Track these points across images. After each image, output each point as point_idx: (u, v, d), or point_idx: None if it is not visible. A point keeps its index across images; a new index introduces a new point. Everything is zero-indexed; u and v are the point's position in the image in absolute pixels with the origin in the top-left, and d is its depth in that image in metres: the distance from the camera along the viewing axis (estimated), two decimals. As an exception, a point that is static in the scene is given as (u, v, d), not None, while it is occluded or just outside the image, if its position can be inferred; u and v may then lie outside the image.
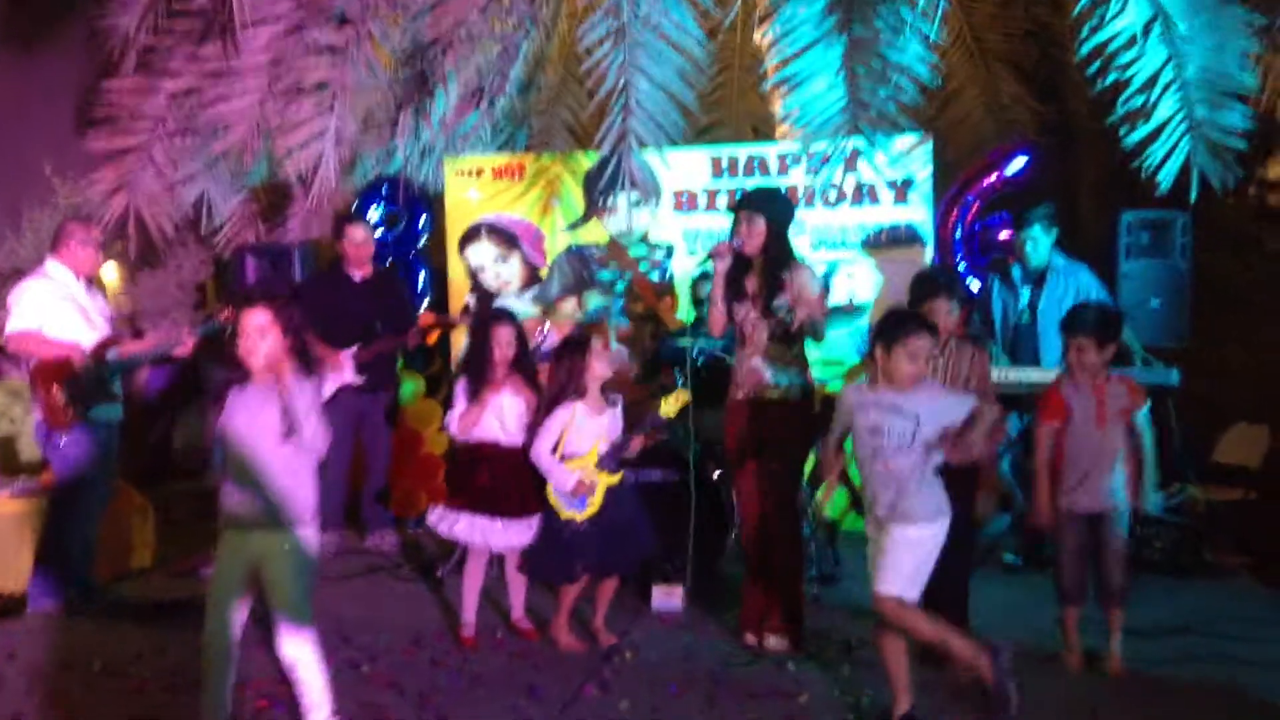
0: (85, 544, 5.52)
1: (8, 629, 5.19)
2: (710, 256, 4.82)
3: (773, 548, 4.80)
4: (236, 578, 3.61)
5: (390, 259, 7.90)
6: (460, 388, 4.91)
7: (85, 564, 5.54)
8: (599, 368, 4.72)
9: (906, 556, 3.74)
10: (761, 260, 4.76)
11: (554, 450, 4.70)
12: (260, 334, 3.54)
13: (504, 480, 4.79)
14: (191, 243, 10.59)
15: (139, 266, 10.98)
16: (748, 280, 4.79)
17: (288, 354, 3.55)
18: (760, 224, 4.72)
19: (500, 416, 4.83)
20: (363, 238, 6.59)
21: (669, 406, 4.67)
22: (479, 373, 4.83)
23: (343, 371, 6.36)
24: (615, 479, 4.75)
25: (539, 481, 4.74)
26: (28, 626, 5.22)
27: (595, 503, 4.71)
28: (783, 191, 5.44)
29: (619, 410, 4.85)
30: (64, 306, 5.40)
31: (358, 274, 6.61)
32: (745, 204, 4.82)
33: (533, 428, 4.78)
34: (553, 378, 4.80)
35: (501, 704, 4.16)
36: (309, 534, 3.62)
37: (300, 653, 3.61)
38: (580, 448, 4.70)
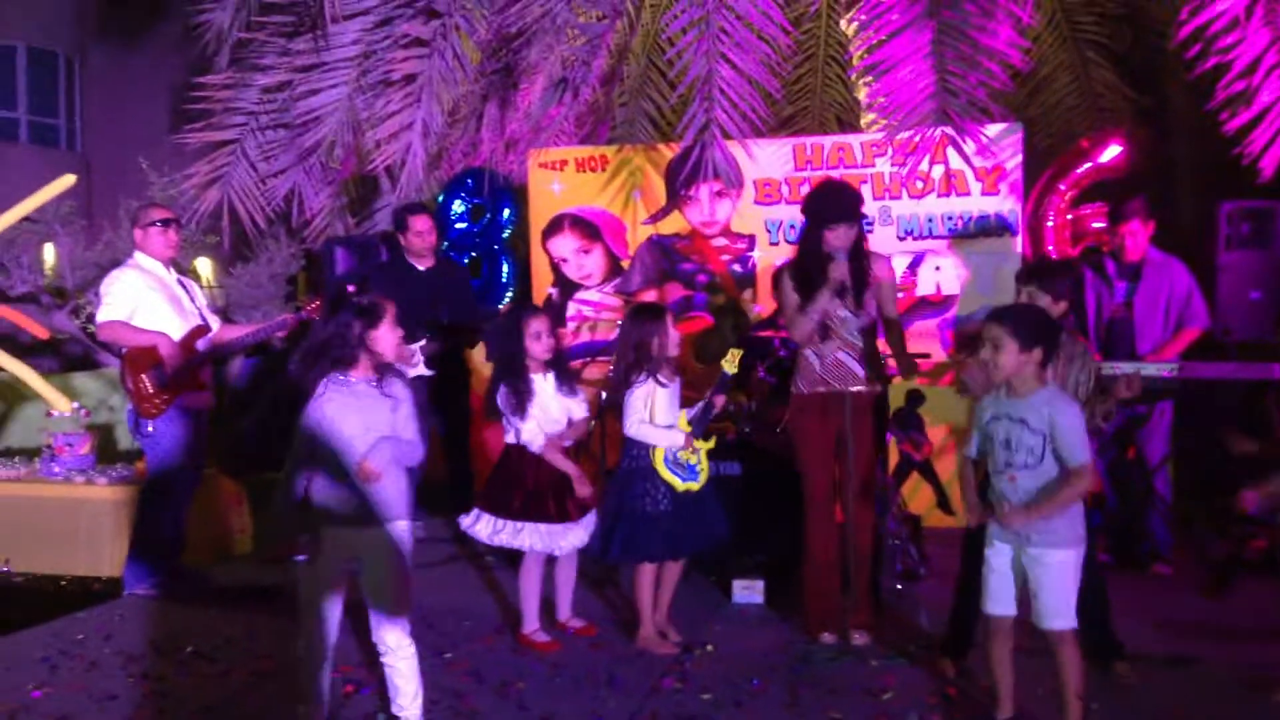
0: (177, 529, 5.66)
1: (104, 612, 5.34)
2: (835, 282, 4.58)
3: (853, 543, 4.74)
4: (334, 574, 3.64)
5: (474, 251, 7.97)
6: (502, 399, 4.64)
7: (176, 549, 5.67)
8: (670, 341, 4.64)
9: (1070, 584, 3.57)
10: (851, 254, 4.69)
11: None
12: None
13: (555, 481, 4.66)
14: (282, 236, 10.82)
15: (232, 260, 11.23)
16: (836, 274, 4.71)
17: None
18: (856, 229, 4.67)
19: (547, 414, 4.66)
20: (426, 227, 6.53)
21: (730, 364, 4.63)
22: (516, 372, 4.62)
23: (413, 361, 6.42)
24: (710, 444, 4.74)
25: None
26: (122, 610, 5.36)
27: (704, 470, 4.69)
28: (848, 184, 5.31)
29: (680, 382, 4.79)
30: (152, 296, 5.50)
31: (421, 265, 6.60)
32: (846, 214, 4.66)
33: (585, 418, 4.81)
34: (624, 352, 4.70)
35: (581, 694, 4.16)
36: (404, 527, 3.66)
37: (400, 643, 3.66)
38: (668, 419, 4.65)
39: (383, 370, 3.65)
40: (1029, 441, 3.55)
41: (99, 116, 19.96)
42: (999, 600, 3.69)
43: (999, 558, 3.68)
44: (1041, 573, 3.56)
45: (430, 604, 5.28)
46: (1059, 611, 3.55)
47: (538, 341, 4.58)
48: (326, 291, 6.99)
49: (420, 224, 6.55)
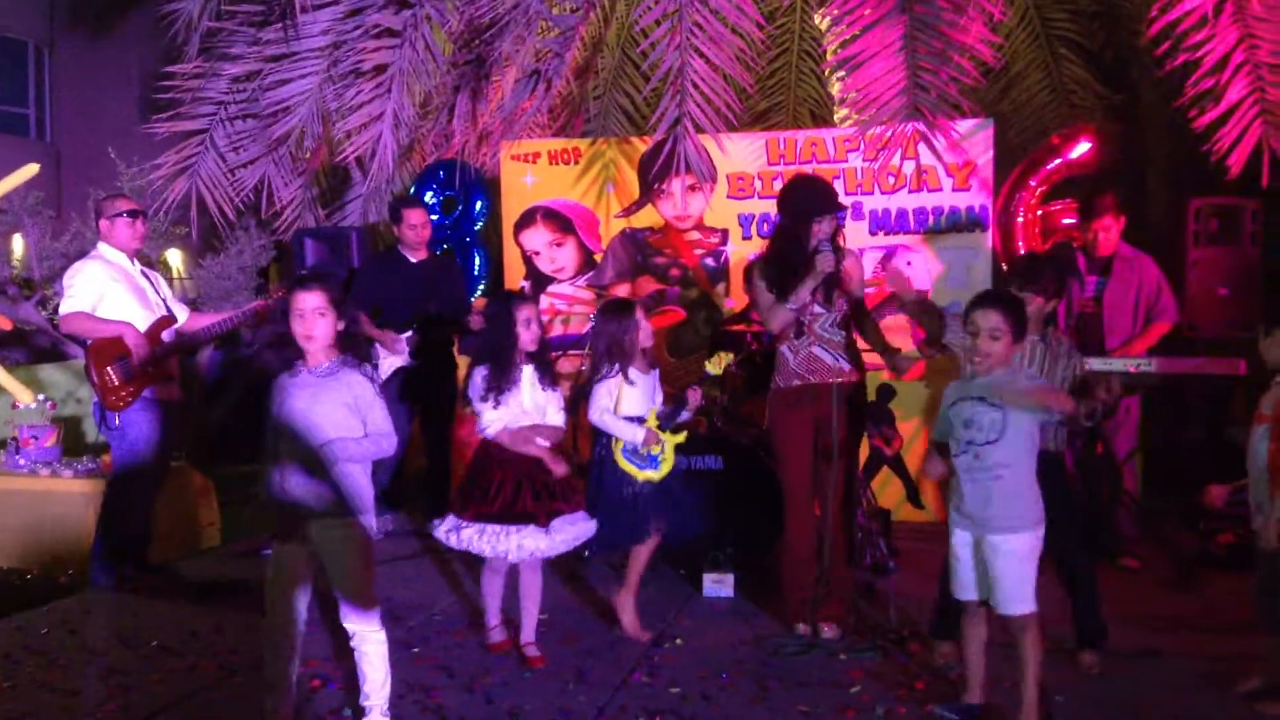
0: (143, 522, 5.60)
1: (68, 606, 5.28)
2: (821, 274, 4.55)
3: (828, 536, 4.76)
4: (299, 565, 3.60)
5: (446, 243, 7.94)
6: (477, 379, 4.43)
7: (143, 542, 5.62)
8: (642, 332, 4.64)
9: (1030, 568, 3.61)
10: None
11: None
12: (318, 316, 3.51)
13: (519, 482, 4.39)
14: (252, 227, 10.73)
15: (201, 252, 11.14)
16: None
17: (339, 340, 3.54)
18: (835, 223, 4.68)
19: (525, 410, 4.45)
20: (421, 221, 6.58)
21: (714, 365, 4.63)
22: (504, 360, 4.41)
23: (399, 354, 6.40)
24: (681, 437, 4.71)
25: (564, 482, 4.51)
26: (87, 604, 5.31)
27: (668, 460, 4.67)
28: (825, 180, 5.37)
29: (657, 373, 4.79)
30: (116, 287, 5.44)
31: (414, 257, 6.62)
32: (832, 206, 4.68)
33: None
34: (596, 346, 4.71)
35: (551, 688, 4.14)
36: (369, 520, 3.62)
37: (369, 629, 3.62)
38: (637, 411, 4.64)
39: (336, 356, 3.58)
40: (990, 416, 3.60)
41: (69, 106, 19.78)
42: (965, 585, 3.75)
43: (961, 545, 3.74)
44: (1000, 560, 3.60)
45: (400, 598, 5.26)
46: (1019, 597, 3.59)
47: (526, 330, 4.42)
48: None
49: (415, 217, 6.57)
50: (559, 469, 4.41)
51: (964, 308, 3.79)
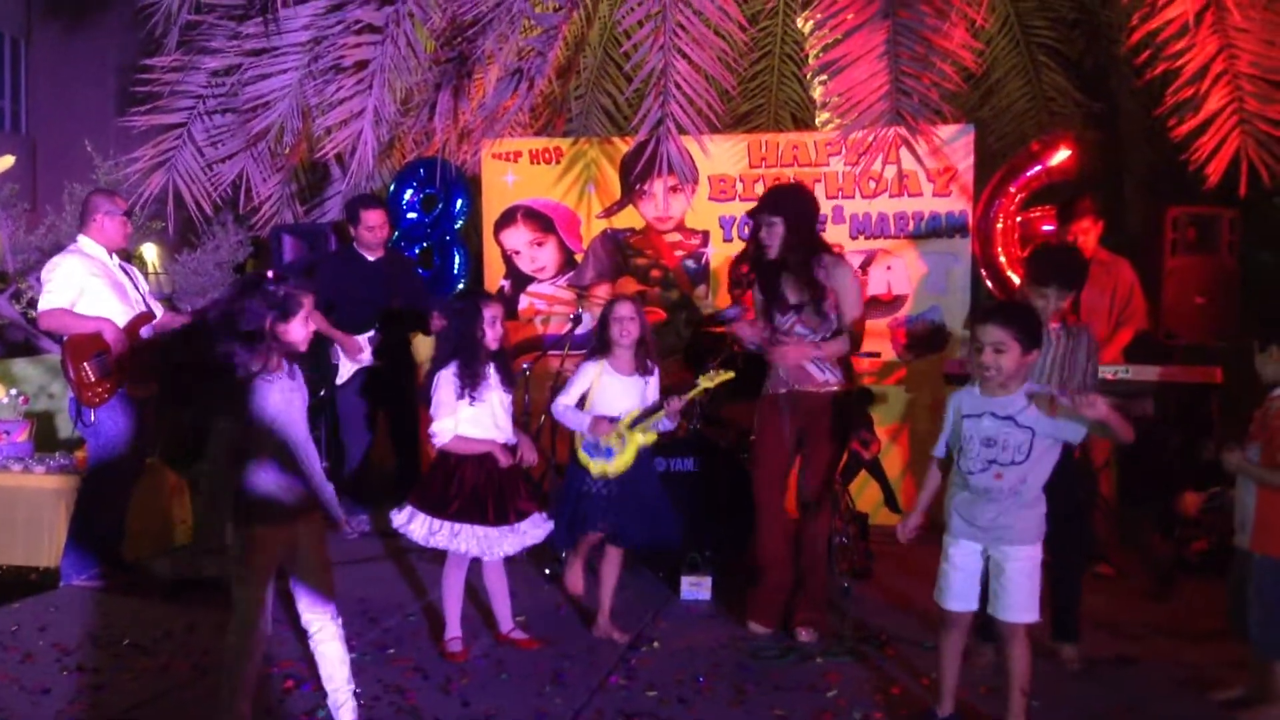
0: (116, 520, 5.56)
1: (40, 603, 5.23)
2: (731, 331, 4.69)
3: (806, 540, 4.76)
4: (273, 566, 3.55)
5: (426, 241, 7.91)
6: (447, 379, 4.43)
7: (116, 540, 5.57)
8: (617, 328, 4.62)
9: (1037, 577, 3.60)
10: (791, 262, 4.71)
11: (580, 408, 4.65)
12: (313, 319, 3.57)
13: (495, 482, 4.44)
14: (230, 223, 10.66)
15: (178, 247, 11.06)
16: (785, 286, 4.74)
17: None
18: (779, 227, 4.69)
19: (490, 410, 4.48)
20: (379, 221, 6.53)
21: (708, 380, 4.59)
22: (473, 358, 4.42)
23: (361, 355, 6.37)
24: (649, 438, 4.66)
25: (530, 481, 4.58)
26: (59, 601, 5.25)
27: (626, 457, 4.60)
28: (801, 187, 5.41)
29: (655, 378, 4.74)
30: (95, 282, 5.39)
31: (371, 255, 6.58)
32: (762, 208, 4.76)
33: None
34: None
35: (527, 691, 4.13)
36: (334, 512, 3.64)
37: (327, 620, 3.60)
38: (611, 409, 4.63)
39: (292, 359, 3.58)
40: (1018, 438, 3.55)
41: (45, 98, 19.61)
42: (960, 596, 3.68)
43: (963, 555, 3.67)
44: (1013, 569, 3.57)
45: (375, 599, 5.23)
46: (1027, 606, 3.58)
47: (491, 329, 4.44)
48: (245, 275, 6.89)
49: (373, 218, 6.50)
50: (506, 459, 4.45)
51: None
